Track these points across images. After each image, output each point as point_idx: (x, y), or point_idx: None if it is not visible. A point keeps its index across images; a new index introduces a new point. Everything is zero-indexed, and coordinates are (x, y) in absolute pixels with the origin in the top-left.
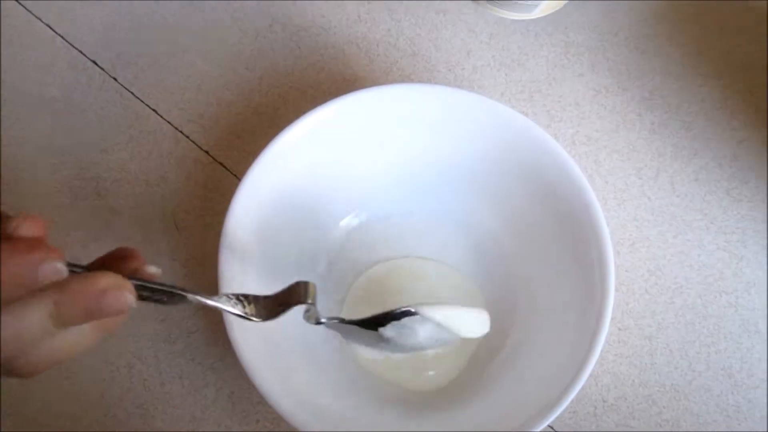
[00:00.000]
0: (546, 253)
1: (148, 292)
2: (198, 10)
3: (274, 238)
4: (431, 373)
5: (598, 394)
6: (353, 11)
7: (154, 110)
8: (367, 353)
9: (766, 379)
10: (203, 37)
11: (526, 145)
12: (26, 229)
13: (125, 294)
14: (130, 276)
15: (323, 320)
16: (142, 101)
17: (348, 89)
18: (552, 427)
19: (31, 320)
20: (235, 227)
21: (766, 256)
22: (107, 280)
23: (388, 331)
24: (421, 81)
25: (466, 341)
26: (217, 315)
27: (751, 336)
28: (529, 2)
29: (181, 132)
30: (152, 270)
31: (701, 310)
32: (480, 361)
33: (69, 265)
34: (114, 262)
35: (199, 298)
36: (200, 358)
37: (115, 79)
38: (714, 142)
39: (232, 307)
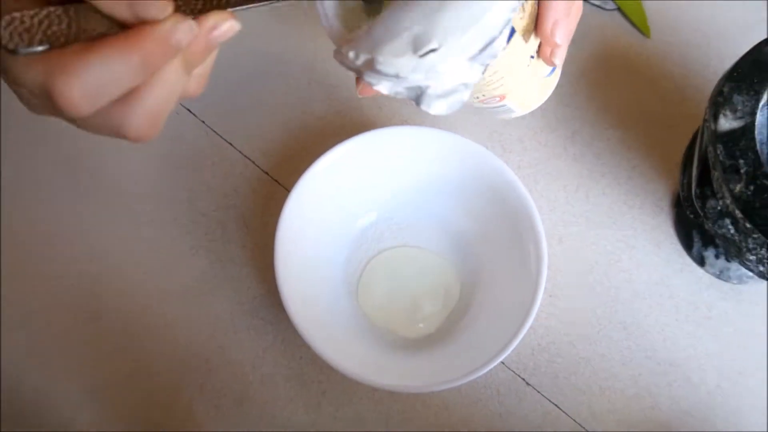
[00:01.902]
0: (500, 243)
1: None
2: (261, 75)
3: (312, 232)
4: (421, 325)
5: (535, 341)
6: None
7: (230, 143)
8: None
9: (650, 330)
10: (264, 93)
11: (487, 169)
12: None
13: (230, 22)
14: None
15: None
16: (222, 137)
17: (363, 130)
18: (504, 363)
19: (173, 78)
20: (286, 225)
21: (650, 245)
22: (213, 18)
23: None
24: (415, 124)
25: (446, 304)
26: (274, 284)
27: (639, 300)
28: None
29: (248, 159)
30: None
31: (605, 283)
32: (454, 317)
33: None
34: None
35: None
36: (262, 314)
37: (203, 122)
38: (616, 168)
39: None
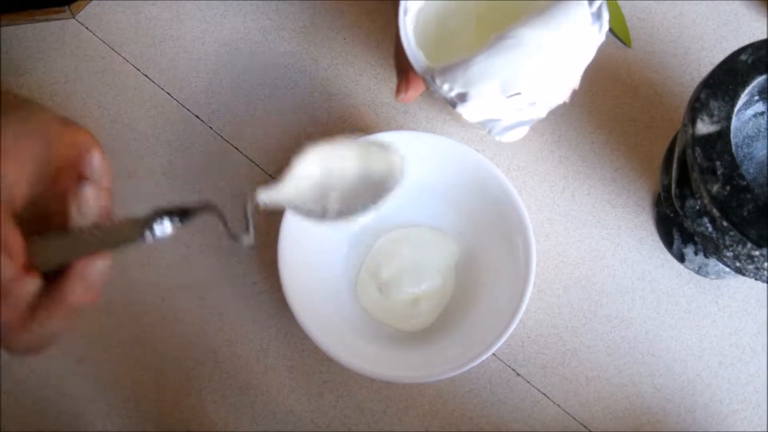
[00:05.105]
0: (492, 241)
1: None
2: (265, 83)
3: (313, 231)
4: (416, 319)
5: (525, 333)
6: (365, 85)
7: (236, 147)
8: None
9: (633, 323)
10: (268, 101)
11: (479, 171)
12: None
13: (99, 267)
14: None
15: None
16: (228, 142)
17: (361, 135)
18: (495, 354)
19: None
20: (288, 224)
21: (633, 242)
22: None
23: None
24: (410, 129)
25: (440, 299)
26: (277, 280)
27: (623, 294)
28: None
29: (253, 161)
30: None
31: (591, 278)
32: (448, 312)
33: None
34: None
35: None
36: (266, 309)
37: (210, 127)
38: (600, 170)
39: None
